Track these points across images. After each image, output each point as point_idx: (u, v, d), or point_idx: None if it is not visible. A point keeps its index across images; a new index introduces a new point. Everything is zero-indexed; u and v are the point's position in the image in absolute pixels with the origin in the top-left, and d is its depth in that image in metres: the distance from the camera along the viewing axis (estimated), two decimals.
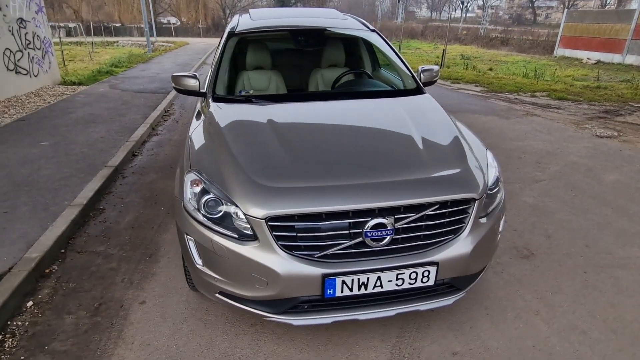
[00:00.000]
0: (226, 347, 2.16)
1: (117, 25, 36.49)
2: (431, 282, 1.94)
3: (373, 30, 3.60)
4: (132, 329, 2.28)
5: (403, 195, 1.88)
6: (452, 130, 2.47)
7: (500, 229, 2.24)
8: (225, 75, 3.18)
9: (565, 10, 23.66)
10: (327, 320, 1.95)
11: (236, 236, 1.87)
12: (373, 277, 1.86)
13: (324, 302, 1.91)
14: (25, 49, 8.30)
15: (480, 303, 2.50)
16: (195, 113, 2.89)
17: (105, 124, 6.05)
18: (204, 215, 1.93)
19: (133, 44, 23.11)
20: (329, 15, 3.92)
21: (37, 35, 8.81)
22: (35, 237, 2.97)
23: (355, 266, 1.85)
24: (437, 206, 1.91)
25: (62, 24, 29.25)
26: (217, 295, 2.05)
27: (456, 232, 1.97)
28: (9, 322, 2.30)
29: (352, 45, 4.03)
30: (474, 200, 1.98)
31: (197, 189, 1.99)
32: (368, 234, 1.83)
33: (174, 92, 8.30)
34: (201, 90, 2.91)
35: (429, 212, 1.90)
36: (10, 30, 7.82)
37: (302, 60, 4.05)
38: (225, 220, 1.91)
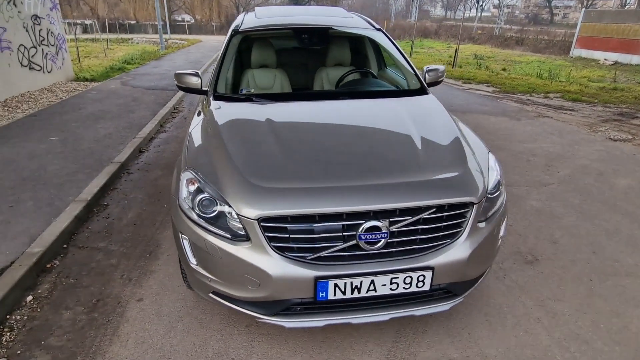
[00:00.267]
0: (220, 347, 2.15)
1: (133, 22, 36.97)
2: (426, 287, 1.90)
3: (379, 29, 3.56)
4: (128, 326, 2.29)
5: (399, 197, 1.84)
6: (453, 132, 2.42)
7: (501, 234, 2.18)
8: (228, 73, 3.17)
9: (583, 9, 23.20)
10: (319, 323, 1.92)
11: (229, 236, 1.86)
12: (366, 280, 1.83)
13: (316, 305, 1.89)
14: (39, 45, 8.43)
15: (480, 309, 2.44)
16: (197, 111, 2.89)
17: (114, 120, 6.11)
18: (198, 215, 1.92)
19: (147, 41, 23.35)
20: (335, 14, 3.89)
21: (51, 32, 8.94)
22: (38, 232, 3.01)
23: (349, 269, 1.81)
24: (434, 210, 1.87)
25: (78, 21, 29.80)
26: (210, 295, 2.04)
27: (453, 237, 1.92)
28: (8, 316, 2.33)
29: (358, 44, 3.99)
30: (472, 204, 1.92)
31: (192, 188, 1.98)
32: (362, 236, 1.80)
33: None
34: (203, 88, 2.91)
35: (425, 215, 1.86)
36: (24, 27, 7.95)
37: (307, 59, 4.02)
38: (219, 220, 1.89)
